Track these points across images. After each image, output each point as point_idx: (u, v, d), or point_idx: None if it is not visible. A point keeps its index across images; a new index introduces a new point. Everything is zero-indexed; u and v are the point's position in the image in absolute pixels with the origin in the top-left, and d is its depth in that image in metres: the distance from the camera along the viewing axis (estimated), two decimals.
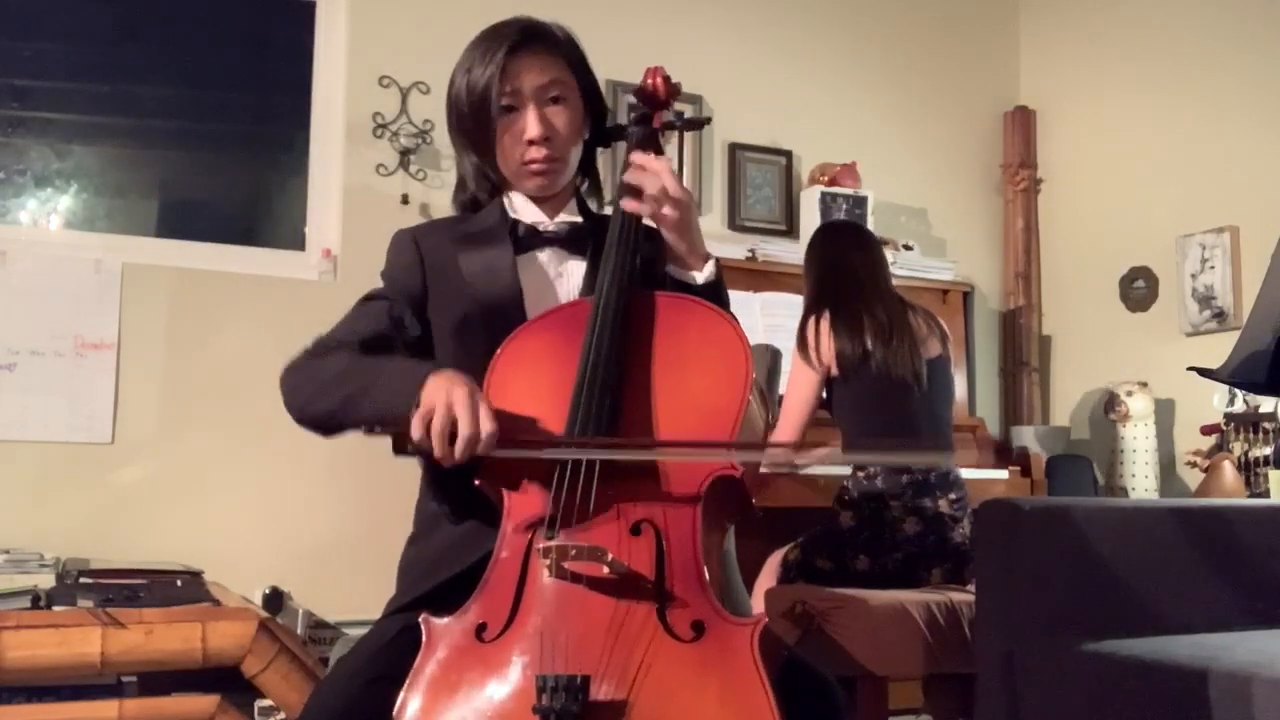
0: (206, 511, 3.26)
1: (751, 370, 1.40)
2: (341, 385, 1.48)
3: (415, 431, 1.34)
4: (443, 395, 1.34)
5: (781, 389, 3.16)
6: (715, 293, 1.58)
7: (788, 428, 2.92)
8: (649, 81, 1.72)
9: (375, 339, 1.59)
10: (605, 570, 1.25)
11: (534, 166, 1.64)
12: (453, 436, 1.33)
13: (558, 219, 1.68)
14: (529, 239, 1.66)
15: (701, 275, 1.58)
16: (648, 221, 1.60)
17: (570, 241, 1.67)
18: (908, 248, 4.13)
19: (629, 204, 1.56)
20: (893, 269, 3.18)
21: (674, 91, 1.72)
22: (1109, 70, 4.34)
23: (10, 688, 2.38)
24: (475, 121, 1.63)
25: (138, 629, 2.38)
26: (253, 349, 3.33)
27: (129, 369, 3.24)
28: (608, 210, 1.75)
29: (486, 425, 1.33)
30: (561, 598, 1.27)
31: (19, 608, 2.39)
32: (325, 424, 1.53)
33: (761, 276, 3.80)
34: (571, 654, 1.21)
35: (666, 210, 1.54)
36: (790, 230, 4.18)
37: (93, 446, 3.18)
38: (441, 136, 3.44)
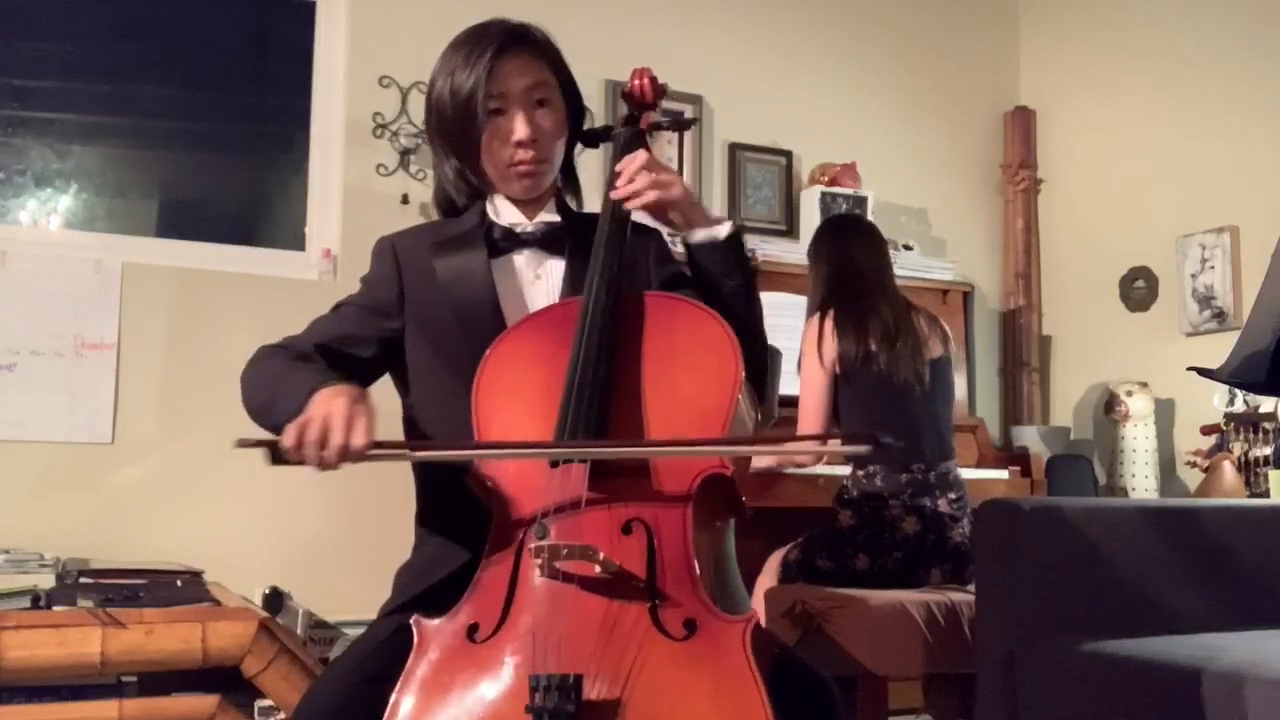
0: (206, 511, 3.26)
1: (741, 369, 1.40)
2: (261, 391, 1.54)
3: (288, 439, 1.35)
4: (322, 408, 1.36)
5: (782, 389, 3.16)
6: (740, 245, 1.60)
7: (813, 422, 2.93)
8: (635, 83, 1.72)
9: (336, 340, 1.62)
10: (596, 569, 1.26)
11: (522, 168, 1.64)
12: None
13: (536, 220, 1.68)
14: (505, 241, 1.67)
15: (725, 229, 1.58)
16: (640, 218, 1.60)
17: (548, 242, 1.67)
18: (908, 248, 4.13)
19: (631, 202, 1.55)
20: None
21: (660, 92, 1.72)
22: (1109, 70, 4.34)
23: (10, 688, 2.38)
24: (460, 125, 1.63)
25: (138, 629, 2.38)
26: (253, 349, 3.31)
27: (129, 369, 3.25)
28: (588, 209, 1.76)
29: (358, 439, 1.34)
30: (553, 597, 1.27)
31: (19, 608, 2.39)
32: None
33: (761, 276, 3.74)
34: (564, 653, 1.22)
35: (656, 195, 1.54)
36: (790, 230, 4.18)
37: (93, 446, 3.18)
38: None
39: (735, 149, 4.14)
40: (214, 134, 3.69)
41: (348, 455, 1.34)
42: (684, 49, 3.99)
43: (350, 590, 3.14)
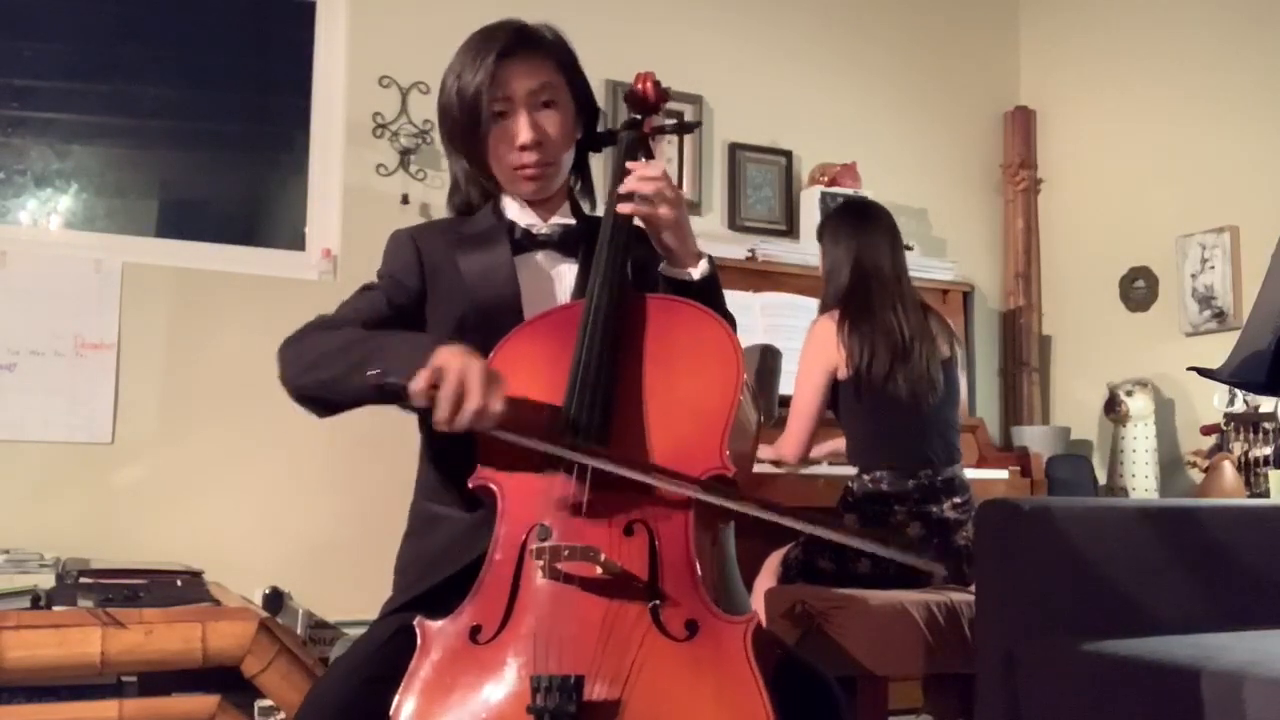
0: (206, 511, 3.26)
1: (742, 371, 1.40)
2: (346, 353, 1.45)
3: (419, 384, 1.30)
4: (458, 361, 1.31)
5: (783, 389, 3.15)
6: (711, 289, 1.59)
7: (799, 425, 2.92)
8: (639, 86, 1.73)
9: (377, 321, 1.58)
10: (598, 570, 1.26)
11: (527, 171, 1.64)
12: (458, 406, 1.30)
13: (551, 221, 1.69)
14: (525, 241, 1.67)
15: (697, 271, 1.59)
16: (640, 223, 1.60)
17: (564, 244, 1.68)
18: (908, 248, 4.11)
19: (625, 207, 1.55)
20: None
21: (664, 96, 1.73)
22: (1109, 70, 4.34)
23: (10, 688, 2.38)
24: (466, 128, 1.64)
25: (138, 629, 2.38)
26: (253, 349, 3.32)
27: (129, 369, 3.25)
28: (600, 212, 1.76)
29: (496, 404, 1.31)
30: (555, 598, 1.27)
31: (19, 608, 2.39)
32: (323, 394, 1.48)
33: (761, 276, 3.80)
34: (565, 654, 1.22)
35: (663, 211, 1.54)
36: (790, 230, 4.18)
37: (93, 446, 3.18)
38: None
39: (735, 149, 4.14)
40: (214, 134, 3.69)
41: (484, 418, 1.29)
42: (684, 49, 3.99)
43: (350, 590, 3.15)
